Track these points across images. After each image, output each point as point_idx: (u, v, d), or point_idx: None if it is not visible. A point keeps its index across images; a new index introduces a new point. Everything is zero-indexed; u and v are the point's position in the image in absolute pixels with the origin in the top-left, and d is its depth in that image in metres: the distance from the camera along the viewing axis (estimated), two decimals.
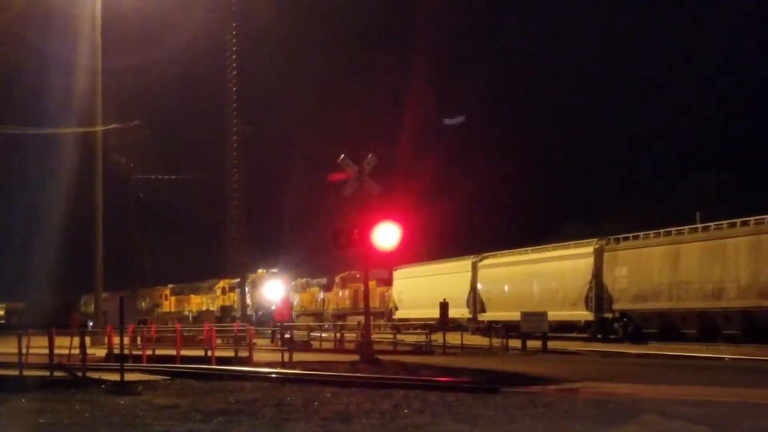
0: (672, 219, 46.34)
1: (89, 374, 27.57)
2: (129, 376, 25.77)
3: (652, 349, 38.36)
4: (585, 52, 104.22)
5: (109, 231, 57.20)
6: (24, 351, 30.50)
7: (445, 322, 44.04)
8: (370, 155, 33.36)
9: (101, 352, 37.92)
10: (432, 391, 20.67)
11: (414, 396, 19.80)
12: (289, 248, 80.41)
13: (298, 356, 33.09)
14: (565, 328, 44.62)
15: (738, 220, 40.02)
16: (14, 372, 27.73)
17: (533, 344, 39.73)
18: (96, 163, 53.94)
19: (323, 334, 52.88)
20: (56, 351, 32.01)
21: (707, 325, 40.82)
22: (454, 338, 43.01)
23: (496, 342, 42.28)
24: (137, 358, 35.91)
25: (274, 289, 74.37)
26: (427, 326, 45.89)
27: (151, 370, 29.30)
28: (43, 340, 32.84)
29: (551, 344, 40.42)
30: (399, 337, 47.38)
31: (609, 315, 45.65)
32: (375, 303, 63.98)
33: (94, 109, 52.72)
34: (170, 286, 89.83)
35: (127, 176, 64.01)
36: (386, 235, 32.10)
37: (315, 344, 45.61)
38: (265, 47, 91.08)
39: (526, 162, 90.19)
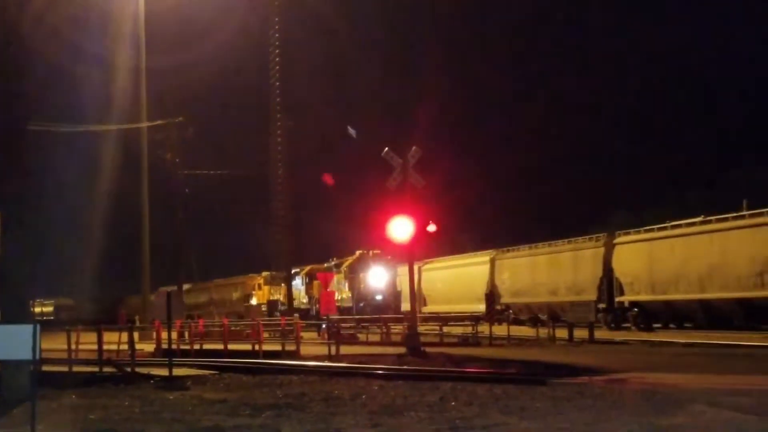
0: (719, 207, 45.94)
1: (138, 370, 27.82)
2: (177, 371, 25.98)
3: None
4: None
5: (156, 227, 57.60)
6: (73, 347, 30.74)
7: (491, 314, 44.13)
8: (414, 148, 33.26)
9: (149, 348, 38.20)
10: (479, 383, 20.69)
11: (461, 388, 19.84)
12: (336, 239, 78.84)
13: (344, 349, 33.12)
14: (472, 318, 50.49)
15: (566, 240, 53.94)
16: (64, 368, 27.92)
17: (580, 334, 39.59)
18: (142, 159, 54.45)
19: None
20: (105, 347, 32.36)
21: (553, 314, 50.69)
22: (500, 329, 43.13)
23: (543, 333, 42.38)
24: (185, 353, 36.12)
25: (379, 275, 66.02)
26: (473, 318, 46.83)
27: (199, 365, 29.48)
28: (92, 336, 33.14)
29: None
30: (444, 329, 47.85)
31: (498, 307, 56.95)
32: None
33: (138, 106, 53.26)
34: (264, 274, 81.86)
35: (172, 172, 64.08)
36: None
37: (361, 337, 45.63)
38: (308, 41, 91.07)
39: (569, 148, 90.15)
